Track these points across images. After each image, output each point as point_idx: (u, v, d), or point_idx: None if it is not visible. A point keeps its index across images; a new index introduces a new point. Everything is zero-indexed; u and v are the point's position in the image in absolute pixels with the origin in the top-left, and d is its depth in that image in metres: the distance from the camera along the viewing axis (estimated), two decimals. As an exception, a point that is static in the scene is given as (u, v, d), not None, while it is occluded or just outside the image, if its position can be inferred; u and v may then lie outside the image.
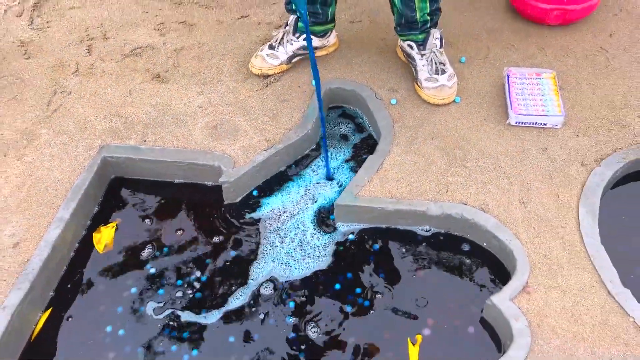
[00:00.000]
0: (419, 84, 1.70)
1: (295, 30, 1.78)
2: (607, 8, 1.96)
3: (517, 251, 1.32)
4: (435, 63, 1.67)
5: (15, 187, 1.54)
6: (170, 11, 2.11)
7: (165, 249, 1.47)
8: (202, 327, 1.32)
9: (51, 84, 1.84)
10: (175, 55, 1.92)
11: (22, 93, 1.81)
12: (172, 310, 1.35)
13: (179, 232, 1.52)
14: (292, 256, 1.44)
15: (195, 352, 1.28)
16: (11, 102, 1.79)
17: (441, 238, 1.45)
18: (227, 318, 1.33)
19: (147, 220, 1.54)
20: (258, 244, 1.48)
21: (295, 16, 1.78)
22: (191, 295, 1.38)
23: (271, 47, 1.80)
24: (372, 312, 1.33)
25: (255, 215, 1.54)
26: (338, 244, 1.46)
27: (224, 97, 1.75)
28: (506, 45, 1.86)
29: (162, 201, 1.60)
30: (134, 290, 1.39)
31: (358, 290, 1.37)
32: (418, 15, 1.62)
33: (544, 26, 1.90)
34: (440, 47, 1.69)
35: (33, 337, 1.31)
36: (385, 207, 1.44)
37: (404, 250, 1.44)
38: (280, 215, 1.54)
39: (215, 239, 1.49)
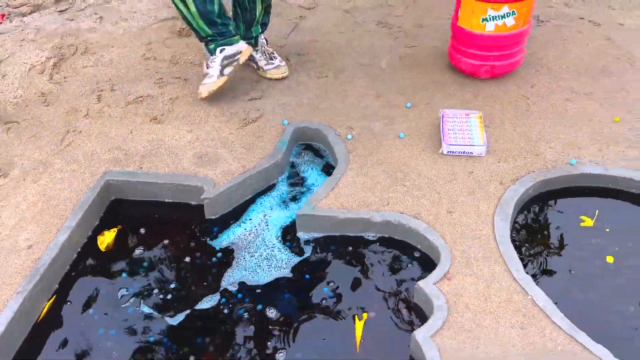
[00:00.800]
0: (261, 70, 2.39)
1: (211, 51, 2.25)
2: (530, 65, 2.35)
3: (442, 248, 1.61)
4: (267, 53, 2.38)
5: (31, 203, 1.84)
6: (169, 69, 2.51)
7: (147, 260, 1.76)
8: (174, 327, 1.56)
9: (65, 125, 2.19)
10: (171, 103, 2.29)
11: (40, 132, 2.16)
12: (147, 306, 1.62)
13: (165, 242, 1.81)
14: (260, 265, 1.72)
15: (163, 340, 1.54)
16: (31, 139, 2.13)
17: (384, 242, 1.74)
18: (196, 317, 1.57)
19: (141, 230, 1.84)
20: (232, 253, 1.76)
21: (206, 40, 2.25)
22: (165, 296, 1.64)
23: (204, 76, 2.29)
24: (328, 302, 1.60)
25: (231, 229, 1.83)
26: (299, 250, 1.75)
27: (209, 134, 2.10)
28: (446, 94, 2.23)
29: (154, 217, 1.90)
30: (123, 291, 1.66)
31: (318, 287, 1.64)
32: (254, 34, 2.38)
33: (478, 79, 2.28)
34: (267, 44, 2.43)
35: (39, 319, 1.57)
36: (337, 215, 1.74)
37: (354, 252, 1.73)
38: (251, 230, 1.83)
39: (196, 250, 1.78)
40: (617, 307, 1.53)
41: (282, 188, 1.97)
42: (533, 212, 1.81)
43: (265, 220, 1.85)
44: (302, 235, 1.79)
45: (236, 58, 2.21)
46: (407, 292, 1.60)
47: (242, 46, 2.22)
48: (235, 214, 1.88)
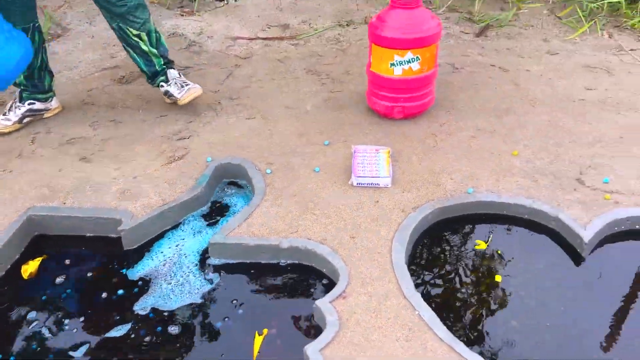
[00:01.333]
0: (179, 100, 2.50)
1: (21, 99, 2.48)
2: (443, 106, 2.55)
3: (341, 270, 1.72)
4: (178, 83, 2.53)
5: (-49, 237, 1.89)
6: (105, 113, 2.63)
7: (63, 289, 1.82)
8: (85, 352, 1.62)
9: (-4, 165, 2.27)
10: (102, 143, 2.39)
11: (-30, 171, 2.24)
12: (52, 334, 1.66)
13: (84, 273, 1.87)
14: (174, 291, 1.79)
15: None
16: (-40, 178, 2.20)
17: (293, 267, 1.84)
18: (110, 345, 1.63)
19: (66, 261, 1.90)
20: (149, 282, 1.83)
21: (20, 88, 2.48)
22: (77, 324, 1.70)
23: (4, 114, 2.47)
24: (236, 322, 1.67)
25: (148, 259, 1.91)
26: (212, 276, 1.83)
27: (134, 171, 2.20)
28: (362, 133, 2.39)
29: (74, 249, 1.96)
30: (33, 314, 1.71)
31: (225, 308, 1.72)
32: (157, 67, 2.52)
33: (392, 120, 2.46)
34: (179, 75, 2.57)
35: (-54, 348, 1.60)
36: (247, 242, 1.84)
37: (264, 277, 1.81)
38: (168, 259, 1.91)
39: (112, 280, 1.84)
40: (500, 321, 1.63)
41: (201, 220, 2.06)
42: (432, 237, 1.93)
43: (182, 249, 1.93)
44: (215, 262, 1.87)
45: (40, 114, 2.54)
46: (308, 311, 1.68)
47: (52, 104, 2.56)
48: (153, 245, 1.96)
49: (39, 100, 2.51)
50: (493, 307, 1.68)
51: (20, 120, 2.47)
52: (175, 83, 2.53)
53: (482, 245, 1.89)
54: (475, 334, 1.61)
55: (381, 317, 1.57)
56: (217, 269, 1.85)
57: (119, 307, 1.73)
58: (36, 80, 2.46)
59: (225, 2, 3.65)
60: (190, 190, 2.09)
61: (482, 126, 2.40)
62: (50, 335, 1.65)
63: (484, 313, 1.66)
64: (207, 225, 2.04)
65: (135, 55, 2.49)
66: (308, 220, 1.92)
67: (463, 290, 1.74)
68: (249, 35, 3.29)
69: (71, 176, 2.19)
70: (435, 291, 1.74)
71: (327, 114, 2.55)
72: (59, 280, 1.83)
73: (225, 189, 2.22)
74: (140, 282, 1.81)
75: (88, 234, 2.01)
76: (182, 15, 3.56)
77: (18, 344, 1.63)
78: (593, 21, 3.21)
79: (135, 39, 2.42)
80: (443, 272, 1.81)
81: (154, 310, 1.71)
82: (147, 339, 1.62)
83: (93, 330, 1.66)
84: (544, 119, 2.44)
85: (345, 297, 1.64)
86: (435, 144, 2.30)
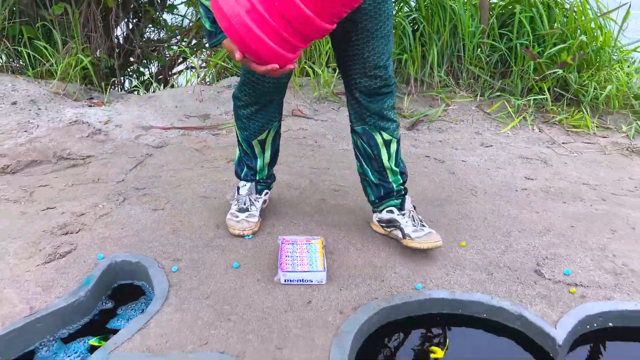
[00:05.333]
0: (408, 238, 1.84)
1: (258, 191, 2.08)
2: (379, 196, 2.29)
3: (265, 393, 1.29)
4: (415, 218, 1.90)
5: None
6: (-23, 205, 2.15)
7: None
8: None
9: None
10: (-37, 239, 1.90)
11: None
12: None
13: None
14: None
15: None
16: None
17: (199, 394, 1.38)
18: None
19: None
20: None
21: (253, 182, 2.07)
22: None
23: (245, 210, 1.99)
24: None
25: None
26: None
27: (0, 274, 1.72)
28: (290, 223, 2.06)
29: None
30: None
31: None
32: (394, 186, 1.91)
33: (324, 208, 2.16)
34: (414, 208, 1.95)
35: None
36: (137, 362, 1.37)
37: (157, 411, 1.34)
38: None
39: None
40: None
41: (84, 333, 1.58)
42: (378, 343, 1.56)
43: (49, 375, 1.43)
44: (94, 392, 1.38)
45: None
46: None
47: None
48: (10, 369, 1.45)
49: (270, 188, 2.16)
50: None
51: (260, 214, 2.09)
52: (412, 217, 1.90)
53: (438, 353, 1.53)
54: None
55: None
56: (94, 400, 1.36)
57: None
58: (272, 166, 2.11)
59: (137, 92, 3.39)
60: (70, 295, 1.62)
61: (423, 215, 2.14)
62: None
63: None
64: (90, 339, 1.55)
65: (364, 169, 1.94)
66: (222, 329, 1.50)
67: (422, 413, 1.35)
68: (164, 125, 2.99)
69: None
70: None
71: (249, 204, 2.21)
72: None
73: (119, 296, 1.77)
74: None
75: None
76: (90, 106, 3.23)
77: None
78: (522, 116, 3.21)
79: (381, 147, 1.88)
80: (395, 390, 1.42)
81: None
82: None
83: None
84: (488, 207, 2.24)
85: None
86: (373, 233, 2.01)
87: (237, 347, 1.44)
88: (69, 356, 1.50)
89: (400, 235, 1.90)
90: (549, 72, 3.21)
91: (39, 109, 3.07)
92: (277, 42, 1.35)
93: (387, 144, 1.87)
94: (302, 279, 1.69)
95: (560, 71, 3.21)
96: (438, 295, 1.67)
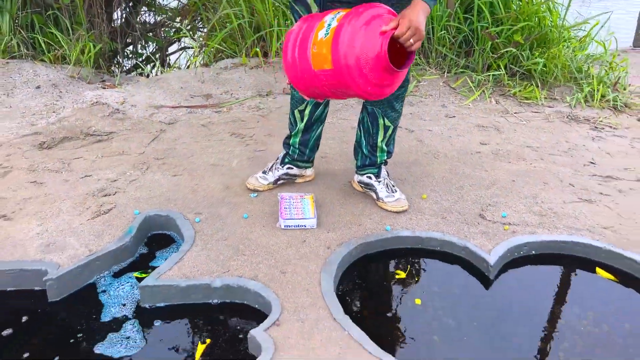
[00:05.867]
0: (382, 201, 2.33)
1: (282, 162, 2.49)
2: (358, 160, 2.78)
3: (274, 302, 1.79)
4: (388, 185, 2.36)
5: None
6: (25, 175, 2.60)
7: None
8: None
9: None
10: (23, 202, 2.35)
11: None
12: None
13: (8, 331, 1.78)
14: (109, 339, 1.76)
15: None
16: None
17: (226, 305, 1.87)
18: None
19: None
20: (78, 333, 1.78)
21: (284, 152, 2.48)
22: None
23: (264, 172, 2.50)
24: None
25: (77, 310, 1.87)
26: (146, 321, 1.82)
27: (59, 227, 2.18)
28: (287, 185, 2.54)
29: (-7, 304, 1.88)
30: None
31: (162, 349, 1.71)
32: (379, 160, 2.38)
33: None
34: (387, 175, 2.41)
35: None
36: (179, 284, 1.86)
37: (197, 317, 1.83)
38: (98, 309, 1.88)
39: (42, 334, 1.78)
40: (423, 337, 1.76)
41: (130, 270, 2.06)
42: (356, 269, 2.07)
43: (112, 297, 1.91)
44: (147, 306, 1.87)
45: (294, 179, 2.53)
46: (242, 346, 1.72)
47: (307, 172, 2.55)
48: (81, 296, 1.92)
49: (297, 166, 2.50)
50: (415, 326, 1.81)
51: (275, 182, 2.49)
52: (386, 184, 2.37)
53: (401, 275, 2.04)
54: (402, 348, 1.71)
55: (314, 339, 1.65)
56: (149, 312, 1.85)
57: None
58: (307, 148, 2.44)
59: (146, 75, 3.80)
60: (118, 240, 2.10)
61: (394, 176, 2.63)
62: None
63: (407, 331, 1.78)
64: (136, 274, 2.04)
65: (360, 139, 2.38)
66: (239, 261, 1.99)
67: (388, 313, 1.86)
68: (172, 104, 3.43)
69: (-11, 233, 2.13)
70: (362, 314, 1.85)
71: (253, 169, 2.68)
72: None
73: (154, 242, 2.25)
74: (67, 335, 1.77)
75: (9, 289, 1.94)
76: (104, 88, 3.65)
77: None
78: (482, 90, 3.69)
79: (380, 129, 2.30)
80: (368, 298, 1.93)
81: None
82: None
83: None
84: (447, 168, 2.73)
85: (278, 324, 1.70)
86: (352, 191, 2.50)
87: (251, 272, 1.93)
88: (122, 284, 1.99)
89: (375, 196, 2.39)
90: (504, 50, 3.68)
91: (61, 91, 3.49)
92: None
93: (386, 129, 2.33)
94: (298, 225, 2.19)
95: (514, 50, 3.68)
96: (403, 234, 2.18)
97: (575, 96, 3.63)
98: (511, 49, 3.66)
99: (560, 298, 1.98)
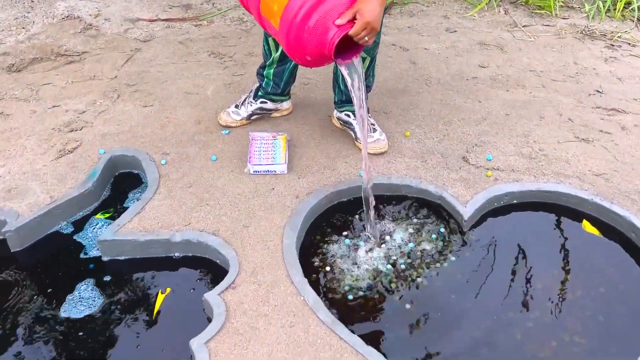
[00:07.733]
0: (359, 142, 2.19)
1: (255, 95, 2.33)
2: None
3: (232, 260, 1.74)
4: (368, 124, 2.17)
5: None
6: (-9, 105, 2.49)
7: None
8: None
9: None
10: (-13, 139, 2.27)
11: None
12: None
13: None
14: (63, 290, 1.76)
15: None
16: None
17: (187, 260, 1.84)
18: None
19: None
20: (37, 283, 1.78)
21: (257, 85, 2.32)
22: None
23: (236, 107, 2.35)
24: (131, 322, 1.66)
25: (39, 260, 1.85)
26: (104, 273, 1.80)
27: (22, 168, 2.11)
28: (262, 118, 2.39)
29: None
30: None
31: (118, 305, 1.71)
32: None
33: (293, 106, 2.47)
34: (368, 111, 2.20)
35: None
36: (138, 238, 1.82)
37: (156, 272, 1.81)
38: (58, 258, 1.86)
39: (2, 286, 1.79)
40: (390, 306, 1.72)
41: (95, 217, 2.02)
42: (326, 220, 1.98)
43: (72, 248, 1.89)
44: (106, 259, 1.85)
45: (269, 113, 2.38)
46: (201, 303, 1.70)
47: (284, 105, 2.38)
48: (43, 245, 1.90)
49: (272, 100, 2.35)
50: (381, 288, 1.76)
51: (248, 117, 2.35)
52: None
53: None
54: (357, 316, 1.68)
55: (268, 304, 1.62)
56: (108, 265, 1.83)
57: (17, 311, 1.69)
58: (281, 81, 2.27)
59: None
60: (81, 185, 2.03)
61: (378, 107, 2.45)
62: None
63: (370, 296, 1.74)
64: (101, 222, 1.99)
65: (337, 71, 2.20)
66: (202, 212, 1.92)
67: (353, 271, 1.81)
68: (149, 17, 3.18)
69: (-49, 176, 2.07)
70: (325, 274, 1.80)
71: (228, 99, 2.52)
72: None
73: (121, 182, 2.18)
74: (30, 285, 1.77)
75: (-30, 238, 1.93)
76: (79, -5, 3.38)
77: None
78: (490, -3, 3.33)
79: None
80: (335, 254, 1.87)
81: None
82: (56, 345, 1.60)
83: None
84: (437, 98, 2.53)
85: (234, 287, 1.67)
86: (332, 128, 2.34)
87: (213, 226, 1.87)
88: (85, 232, 1.95)
89: (353, 135, 2.23)
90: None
91: (32, 1, 3.24)
92: None
93: (361, 60, 2.11)
94: (268, 170, 2.08)
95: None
96: (377, 181, 2.06)
97: (597, 3, 3.25)
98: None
99: (534, 252, 1.89)
